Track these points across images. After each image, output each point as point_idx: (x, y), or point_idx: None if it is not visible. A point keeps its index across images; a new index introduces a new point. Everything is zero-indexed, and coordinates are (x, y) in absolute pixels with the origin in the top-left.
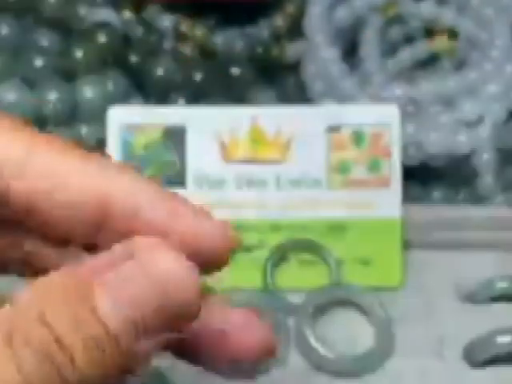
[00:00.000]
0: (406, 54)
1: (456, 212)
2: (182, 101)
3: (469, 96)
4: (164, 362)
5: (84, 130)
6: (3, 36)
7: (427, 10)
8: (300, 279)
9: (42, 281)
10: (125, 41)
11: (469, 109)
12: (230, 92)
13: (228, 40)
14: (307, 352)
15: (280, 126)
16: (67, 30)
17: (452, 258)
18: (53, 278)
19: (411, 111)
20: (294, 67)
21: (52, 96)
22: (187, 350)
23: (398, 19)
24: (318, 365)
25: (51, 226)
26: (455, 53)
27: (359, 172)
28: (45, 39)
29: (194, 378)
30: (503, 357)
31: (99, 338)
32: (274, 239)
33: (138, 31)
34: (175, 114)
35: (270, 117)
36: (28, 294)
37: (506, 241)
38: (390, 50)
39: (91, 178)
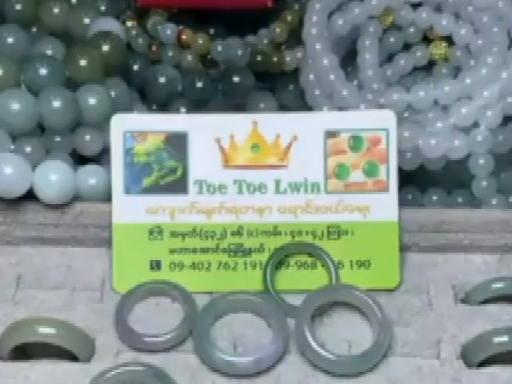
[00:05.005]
0: (403, 61)
1: (452, 215)
2: (183, 108)
3: (464, 101)
4: (163, 360)
5: (87, 137)
6: (8, 45)
7: (424, 17)
8: (300, 281)
9: None
10: (128, 50)
11: (464, 114)
12: (230, 99)
13: (228, 48)
14: (307, 353)
15: (279, 132)
16: (71, 39)
17: (449, 260)
18: None
19: (408, 116)
20: (293, 75)
21: (56, 104)
22: None
23: (396, 27)
24: (318, 365)
25: None
26: (451, 59)
27: (357, 176)
28: (49, 48)
29: (192, 376)
30: (500, 357)
31: None
32: (274, 243)
33: (141, 40)
34: (177, 121)
35: (270, 122)
36: None
37: (501, 243)
38: (387, 56)
39: None
